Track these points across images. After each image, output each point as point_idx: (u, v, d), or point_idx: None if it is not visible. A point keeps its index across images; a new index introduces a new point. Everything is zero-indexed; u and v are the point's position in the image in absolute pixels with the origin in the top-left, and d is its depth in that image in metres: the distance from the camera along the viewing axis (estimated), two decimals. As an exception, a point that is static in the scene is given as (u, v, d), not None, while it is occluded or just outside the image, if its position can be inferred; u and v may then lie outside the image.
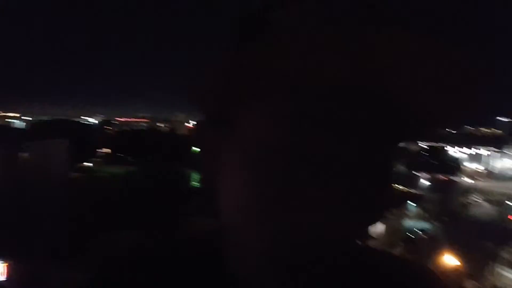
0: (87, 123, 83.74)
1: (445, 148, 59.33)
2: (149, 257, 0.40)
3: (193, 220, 19.50)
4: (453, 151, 62.83)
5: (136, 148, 47.70)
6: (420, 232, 23.79)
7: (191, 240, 0.44)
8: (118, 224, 17.17)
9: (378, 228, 22.53)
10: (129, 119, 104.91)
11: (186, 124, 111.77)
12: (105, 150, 54.27)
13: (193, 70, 0.32)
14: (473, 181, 44.39)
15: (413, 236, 22.62)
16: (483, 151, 63.38)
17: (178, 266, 0.39)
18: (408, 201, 27.98)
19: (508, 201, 33.46)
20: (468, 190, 41.02)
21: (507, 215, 28.16)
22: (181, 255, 0.40)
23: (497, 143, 68.63)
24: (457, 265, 16.60)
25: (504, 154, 59.74)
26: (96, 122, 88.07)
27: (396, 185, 36.06)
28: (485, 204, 37.08)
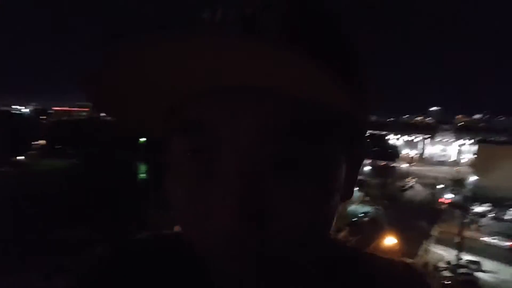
0: (19, 112, 76.62)
1: (385, 135, 63.60)
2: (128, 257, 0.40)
3: (151, 214, 18.94)
4: (392, 139, 67.64)
5: (77, 140, 44.66)
6: (363, 216, 25.21)
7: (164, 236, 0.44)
8: (65, 222, 16.17)
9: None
10: (67, 108, 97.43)
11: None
12: (40, 142, 50.18)
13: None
14: (409, 166, 48.17)
15: (356, 220, 23.87)
16: (418, 138, 69.07)
17: (157, 264, 0.39)
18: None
19: (439, 184, 36.76)
20: (404, 174, 44.63)
21: (438, 197, 31.03)
22: (157, 252, 0.40)
23: (430, 130, 75.24)
24: (396, 244, 17.98)
25: (434, 141, 65.58)
26: (30, 111, 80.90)
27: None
28: (419, 187, 40.68)
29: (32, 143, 49.42)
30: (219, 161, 0.27)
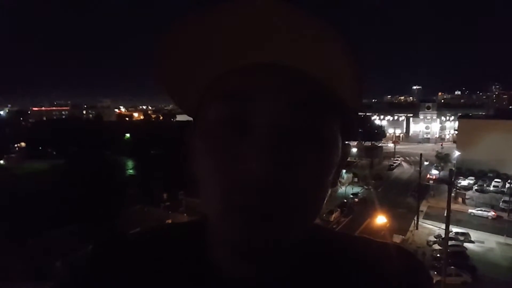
0: (-5, 115, 74.13)
1: (370, 116, 64.17)
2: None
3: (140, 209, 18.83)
4: (377, 119, 68.37)
5: (58, 140, 43.44)
6: (353, 197, 25.46)
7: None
8: (54, 221, 15.94)
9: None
10: (47, 108, 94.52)
11: (116, 109, 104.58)
12: (21, 144, 48.66)
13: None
14: (394, 145, 48.82)
15: (346, 201, 24.06)
16: (402, 117, 70.00)
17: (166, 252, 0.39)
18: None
19: (424, 161, 37.30)
20: (391, 153, 45.29)
21: (425, 174, 31.57)
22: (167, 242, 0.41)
23: (412, 109, 76.38)
24: (386, 223, 18.26)
25: (418, 119, 66.59)
26: (7, 113, 78.19)
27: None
28: (406, 165, 41.42)
29: (12, 145, 47.83)
30: (254, 121, 0.30)
